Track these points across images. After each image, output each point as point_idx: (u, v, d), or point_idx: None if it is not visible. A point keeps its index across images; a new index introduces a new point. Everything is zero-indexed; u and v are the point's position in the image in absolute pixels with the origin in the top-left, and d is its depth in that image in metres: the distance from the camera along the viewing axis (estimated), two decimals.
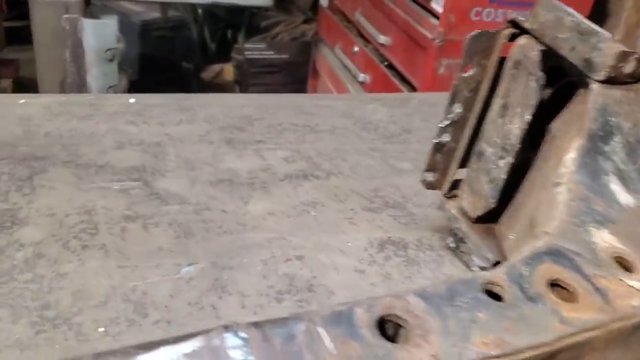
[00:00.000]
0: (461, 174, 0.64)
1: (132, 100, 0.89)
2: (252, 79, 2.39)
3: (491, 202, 0.59)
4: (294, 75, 2.42)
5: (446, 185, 0.65)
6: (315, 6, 2.57)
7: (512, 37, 0.57)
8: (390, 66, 1.60)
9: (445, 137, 0.62)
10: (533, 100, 0.54)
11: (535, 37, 0.54)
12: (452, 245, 0.65)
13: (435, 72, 1.39)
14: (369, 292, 0.59)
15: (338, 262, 0.62)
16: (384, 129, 0.90)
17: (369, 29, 1.68)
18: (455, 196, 0.65)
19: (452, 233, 0.65)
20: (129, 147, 0.77)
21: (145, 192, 0.69)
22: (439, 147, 0.62)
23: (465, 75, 0.58)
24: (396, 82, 1.56)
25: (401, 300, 0.30)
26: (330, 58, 2.02)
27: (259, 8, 2.20)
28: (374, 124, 0.91)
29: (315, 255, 0.62)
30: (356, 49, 1.77)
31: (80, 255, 0.58)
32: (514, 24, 0.57)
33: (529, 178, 0.58)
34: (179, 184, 0.71)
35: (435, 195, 0.75)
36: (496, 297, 0.33)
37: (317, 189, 0.74)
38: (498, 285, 0.33)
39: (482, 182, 0.60)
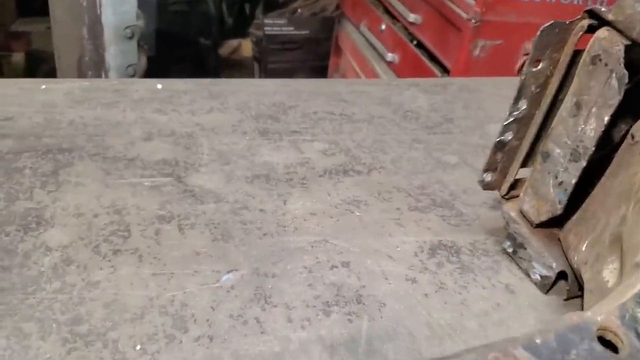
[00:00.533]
0: (522, 173, 0.59)
1: (159, 86, 0.85)
2: (271, 55, 2.33)
3: (558, 208, 0.55)
4: (315, 52, 2.35)
5: (505, 186, 0.60)
6: None
7: (589, 30, 0.52)
8: (420, 45, 1.54)
9: (508, 135, 0.56)
10: (614, 100, 0.49)
11: (619, 30, 0.48)
12: (510, 249, 0.60)
13: (470, 54, 1.32)
14: (423, 304, 0.54)
15: (387, 270, 0.57)
16: (425, 117, 0.85)
17: (398, 6, 1.61)
18: (514, 197, 0.61)
19: (510, 237, 0.60)
20: (159, 138, 0.73)
21: (178, 189, 0.64)
22: (500, 146, 0.57)
23: (534, 69, 0.53)
24: (427, 62, 1.49)
25: (509, 357, 0.26)
26: (354, 35, 1.94)
27: None
28: (414, 112, 0.86)
29: (363, 261, 0.58)
30: (383, 26, 1.70)
31: (112, 261, 0.54)
32: (592, 14, 0.51)
33: (603, 184, 0.52)
34: (214, 180, 0.67)
35: (486, 193, 0.70)
36: (610, 345, 0.29)
37: (358, 185, 0.69)
38: (611, 332, 0.29)
39: (548, 186, 0.55)
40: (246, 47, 2.66)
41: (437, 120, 0.85)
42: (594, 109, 0.50)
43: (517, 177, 0.60)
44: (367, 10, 1.86)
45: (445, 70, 1.44)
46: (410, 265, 0.58)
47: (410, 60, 1.55)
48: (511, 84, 1.06)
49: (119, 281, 0.52)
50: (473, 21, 1.31)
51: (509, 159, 0.58)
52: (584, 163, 0.52)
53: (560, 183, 0.54)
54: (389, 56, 1.62)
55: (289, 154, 0.73)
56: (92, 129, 0.73)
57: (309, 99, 0.85)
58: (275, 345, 0.48)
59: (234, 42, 2.72)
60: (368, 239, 0.61)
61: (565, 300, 0.57)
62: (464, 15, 1.32)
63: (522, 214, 0.59)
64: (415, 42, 1.57)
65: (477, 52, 1.32)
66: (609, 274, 0.46)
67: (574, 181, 0.53)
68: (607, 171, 0.52)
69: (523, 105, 0.55)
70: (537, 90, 0.54)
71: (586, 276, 0.49)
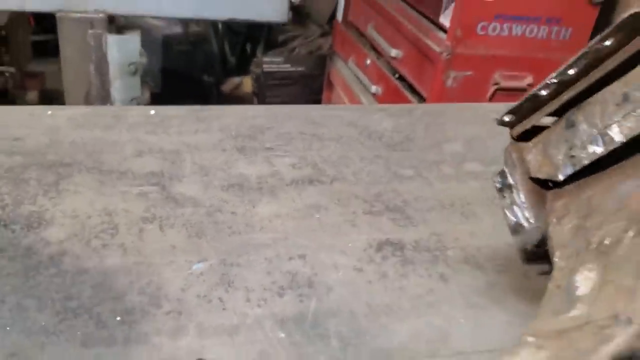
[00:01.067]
0: (543, 122, 0.59)
1: (152, 112, 0.95)
2: (269, 90, 2.46)
3: (559, 176, 0.55)
4: (310, 87, 2.48)
5: (520, 128, 0.59)
6: (332, 20, 2.63)
7: None
8: (402, 78, 1.65)
9: (543, 92, 0.55)
10: None
11: None
12: (497, 185, 0.61)
13: (443, 84, 1.43)
14: (366, 289, 0.63)
15: (338, 261, 0.66)
16: (388, 137, 0.95)
17: (381, 42, 1.73)
18: (523, 140, 0.60)
19: (503, 174, 0.60)
20: (149, 154, 0.83)
21: (162, 195, 0.74)
22: (532, 98, 0.56)
23: (600, 45, 0.51)
24: (407, 93, 1.60)
25: None
26: (344, 70, 2.07)
27: (275, 23, 2.27)
28: (378, 132, 0.96)
29: (317, 255, 0.67)
30: (368, 61, 1.82)
31: (100, 253, 0.64)
32: None
33: (611, 177, 0.52)
34: (194, 188, 0.76)
35: (434, 200, 0.80)
36: None
37: (321, 193, 0.78)
38: None
39: (559, 151, 0.55)
40: (247, 84, 2.80)
41: (398, 139, 0.94)
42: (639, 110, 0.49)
43: (538, 124, 0.59)
44: (355, 47, 1.98)
45: (423, 100, 1.55)
46: (359, 258, 0.67)
47: (392, 92, 1.66)
48: (472, 108, 1.16)
49: (105, 269, 0.62)
50: (444, 54, 1.42)
51: (535, 110, 0.57)
52: (603, 151, 0.51)
53: (572, 157, 0.53)
54: (373, 88, 1.74)
55: (262, 167, 0.83)
56: (90, 147, 0.84)
57: (285, 121, 0.96)
58: (234, 319, 0.57)
59: (236, 79, 2.86)
60: (325, 237, 0.70)
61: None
62: (437, 48, 1.43)
63: (523, 160, 0.59)
64: (397, 75, 1.69)
65: (449, 82, 1.43)
66: (583, 281, 0.45)
67: (586, 162, 0.52)
68: (623, 166, 0.51)
69: (572, 71, 0.53)
70: (593, 64, 0.53)
71: (559, 264, 0.50)
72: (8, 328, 0.54)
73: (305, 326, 0.57)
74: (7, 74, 2.46)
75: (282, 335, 0.56)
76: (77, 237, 0.66)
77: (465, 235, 0.73)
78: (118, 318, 0.56)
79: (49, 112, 0.93)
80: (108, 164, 0.80)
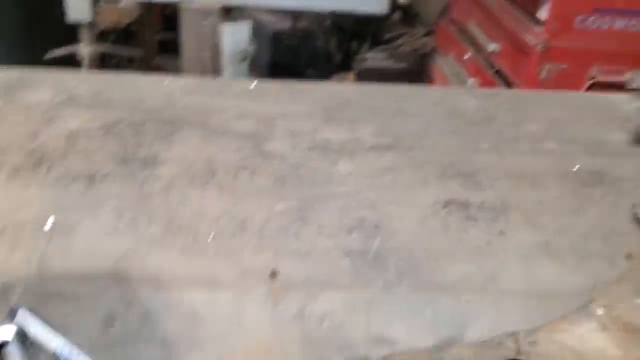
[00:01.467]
0: None
1: (253, 85, 1.06)
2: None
3: None
4: (410, 82, 2.52)
5: None
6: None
7: None
8: (498, 72, 1.67)
9: None
10: None
11: None
12: (634, 85, 0.61)
13: (537, 76, 1.43)
14: (428, 236, 0.69)
15: (405, 212, 0.73)
16: (470, 116, 0.99)
17: (480, 37, 1.76)
18: None
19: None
20: (247, 118, 0.94)
21: (255, 151, 0.84)
22: None
23: None
24: (502, 86, 1.61)
25: None
26: (444, 66, 2.11)
27: (375, 17, 2.34)
28: (461, 111, 1.01)
29: (387, 206, 0.74)
30: (466, 56, 1.85)
31: (201, 188, 0.75)
32: None
33: None
34: (283, 147, 0.86)
35: (505, 171, 0.84)
36: None
37: (397, 158, 0.85)
38: None
39: None
40: (350, 79, 2.89)
41: (479, 118, 0.99)
42: None
43: None
44: (455, 43, 2.01)
45: None
46: (425, 212, 0.74)
47: (488, 85, 1.68)
48: (557, 95, 1.17)
49: (204, 200, 0.73)
50: (539, 46, 1.42)
51: None
52: None
53: None
54: (470, 81, 1.76)
55: (346, 134, 0.91)
56: (199, 110, 0.96)
57: (373, 97, 1.03)
58: (306, 247, 0.66)
59: (340, 75, 2.96)
60: (395, 194, 0.77)
61: None
62: (532, 41, 1.44)
63: None
64: (494, 69, 1.70)
65: (543, 74, 1.43)
66: None
67: None
68: None
69: None
70: None
71: None
72: (123, 236, 0.66)
73: (367, 259, 0.65)
74: (136, 61, 2.72)
75: (347, 262, 0.64)
76: (183, 176, 0.77)
77: (530, 202, 0.77)
78: (212, 236, 0.66)
79: (166, 82, 1.06)
80: (213, 123, 0.92)
